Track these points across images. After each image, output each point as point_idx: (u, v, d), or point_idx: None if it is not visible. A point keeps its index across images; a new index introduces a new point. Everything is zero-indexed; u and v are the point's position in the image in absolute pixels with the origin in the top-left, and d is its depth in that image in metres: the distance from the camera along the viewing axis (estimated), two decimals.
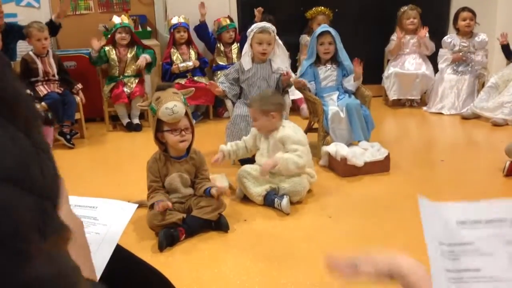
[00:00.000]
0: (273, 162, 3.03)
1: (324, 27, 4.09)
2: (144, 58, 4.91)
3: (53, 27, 4.69)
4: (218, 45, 5.39)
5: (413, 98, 5.54)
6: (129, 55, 4.98)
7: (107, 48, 4.95)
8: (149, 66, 5.00)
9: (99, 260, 0.85)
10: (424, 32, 5.41)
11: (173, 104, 2.63)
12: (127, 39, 4.95)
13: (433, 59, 5.61)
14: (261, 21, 4.52)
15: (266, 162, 3.07)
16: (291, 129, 3.16)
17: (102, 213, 0.95)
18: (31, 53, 4.58)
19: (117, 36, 4.92)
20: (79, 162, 4.19)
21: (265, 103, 3.13)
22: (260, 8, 5.20)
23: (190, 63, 5.16)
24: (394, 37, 5.58)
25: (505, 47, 5.10)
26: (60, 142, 4.49)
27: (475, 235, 0.78)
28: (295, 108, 5.10)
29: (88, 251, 0.67)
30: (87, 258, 0.65)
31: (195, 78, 5.18)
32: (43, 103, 4.45)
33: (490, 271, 0.76)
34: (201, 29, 5.30)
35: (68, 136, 4.49)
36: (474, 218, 0.79)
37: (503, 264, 0.76)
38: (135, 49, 5.00)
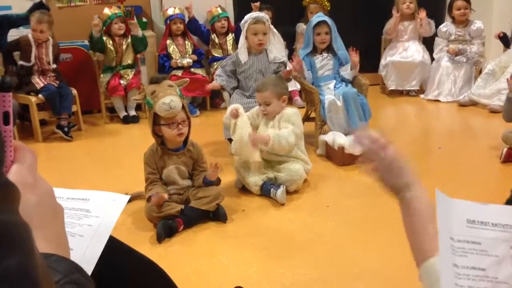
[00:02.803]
0: (266, 137, 2.99)
1: (320, 16, 4.06)
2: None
3: (43, 9, 4.67)
4: (212, 36, 5.37)
5: (411, 88, 5.50)
6: (125, 45, 4.99)
7: (105, 37, 4.95)
8: (140, 42, 4.99)
9: (92, 252, 0.85)
10: (424, 13, 5.39)
11: (169, 99, 2.62)
12: (123, 28, 4.98)
13: (429, 47, 5.59)
14: None
15: (259, 135, 3.00)
16: (292, 111, 3.21)
17: (94, 205, 0.96)
18: (30, 35, 4.59)
19: (114, 26, 4.93)
20: (77, 154, 4.18)
21: (279, 87, 3.17)
22: (256, 4, 5.17)
23: (189, 60, 5.14)
24: (391, 21, 5.56)
25: (502, 38, 5.05)
26: (58, 135, 4.49)
27: (482, 235, 0.80)
28: (289, 98, 5.10)
29: (57, 222, 0.67)
30: (51, 226, 0.65)
31: (192, 70, 5.17)
32: (40, 96, 4.45)
33: (495, 272, 0.77)
34: (192, 24, 5.29)
35: (66, 129, 4.48)
36: (482, 219, 0.81)
37: (508, 268, 0.78)
38: (129, 39, 5.01)
